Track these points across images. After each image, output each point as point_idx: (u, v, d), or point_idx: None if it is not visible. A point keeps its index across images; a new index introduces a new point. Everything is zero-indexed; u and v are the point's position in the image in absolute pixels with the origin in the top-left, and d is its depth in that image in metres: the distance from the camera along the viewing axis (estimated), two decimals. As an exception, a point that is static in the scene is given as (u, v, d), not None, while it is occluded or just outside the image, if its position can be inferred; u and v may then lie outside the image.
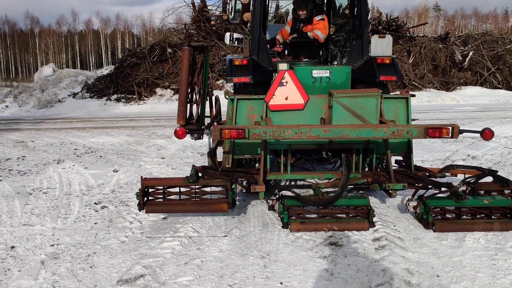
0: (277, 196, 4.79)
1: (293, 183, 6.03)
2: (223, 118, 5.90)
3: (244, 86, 5.45)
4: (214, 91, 18.16)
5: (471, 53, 19.01)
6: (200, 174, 4.63)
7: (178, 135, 4.45)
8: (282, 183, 6.05)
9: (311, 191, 5.30)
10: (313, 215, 4.70)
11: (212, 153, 5.26)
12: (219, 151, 5.59)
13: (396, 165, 5.45)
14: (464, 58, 19.04)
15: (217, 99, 5.86)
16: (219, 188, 4.68)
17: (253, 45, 5.58)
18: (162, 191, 4.61)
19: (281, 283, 3.57)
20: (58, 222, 4.82)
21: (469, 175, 5.27)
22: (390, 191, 4.77)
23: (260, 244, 4.30)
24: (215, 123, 5.71)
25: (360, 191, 5.69)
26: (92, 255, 4.04)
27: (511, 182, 5.12)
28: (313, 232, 4.54)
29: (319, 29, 5.88)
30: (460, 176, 5.42)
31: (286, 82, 4.80)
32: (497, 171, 5.25)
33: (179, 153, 8.15)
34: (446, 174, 5.34)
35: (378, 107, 4.70)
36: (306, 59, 5.91)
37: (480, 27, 58.17)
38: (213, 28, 18.26)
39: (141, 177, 4.59)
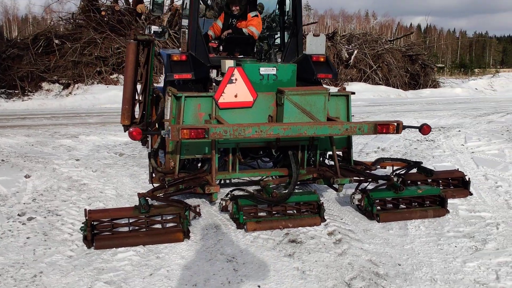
0: (229, 196, 4.67)
1: (227, 181, 5.92)
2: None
3: (183, 82, 5.22)
4: (109, 86, 16.96)
5: (355, 52, 20.46)
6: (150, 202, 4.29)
7: (133, 136, 4.08)
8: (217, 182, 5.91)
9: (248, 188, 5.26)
10: (264, 214, 4.69)
11: (154, 154, 4.95)
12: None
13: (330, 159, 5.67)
14: (349, 56, 20.43)
15: (160, 96, 5.46)
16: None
17: (191, 40, 5.36)
18: (109, 222, 4.18)
19: (258, 286, 3.49)
20: (-18, 240, 4.16)
21: (397, 167, 5.68)
22: (338, 186, 4.93)
23: (220, 247, 4.16)
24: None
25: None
26: (39, 275, 3.55)
27: (434, 172, 5.63)
28: (269, 230, 4.52)
29: (253, 26, 5.84)
30: (389, 168, 5.82)
31: (236, 79, 4.69)
32: (421, 162, 5.72)
33: (94, 153, 7.55)
34: (377, 166, 5.69)
35: (326, 104, 4.82)
36: (241, 56, 5.83)
37: (347, 27, 62.78)
38: (105, 19, 17.19)
39: (85, 209, 4.10)
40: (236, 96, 4.73)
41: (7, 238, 4.22)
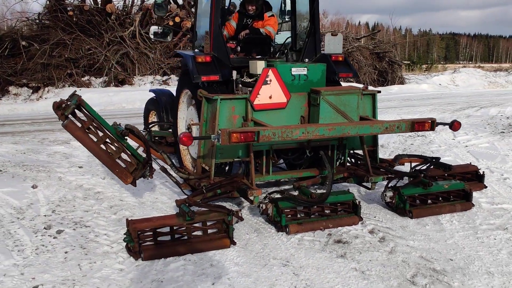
0: (268, 199, 4.59)
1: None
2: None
3: (208, 85, 5.09)
4: (81, 89, 16.27)
5: (326, 50, 20.69)
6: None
7: (184, 141, 3.91)
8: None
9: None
10: (302, 215, 4.65)
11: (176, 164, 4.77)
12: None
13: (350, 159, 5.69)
14: (320, 54, 20.64)
15: (132, 129, 4.59)
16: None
17: (214, 41, 5.23)
18: (151, 232, 4.01)
19: (327, 290, 3.46)
20: (16, 257, 3.88)
21: (415, 163, 5.77)
22: (370, 184, 4.95)
23: (269, 251, 4.09)
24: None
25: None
26: (96, 291, 3.37)
27: (453, 167, 5.77)
28: (311, 232, 4.49)
29: (270, 25, 5.80)
30: (406, 164, 5.92)
31: (270, 81, 4.62)
32: (439, 158, 5.84)
33: (94, 160, 7.18)
34: (397, 163, 5.77)
35: (359, 103, 4.83)
36: (259, 56, 5.76)
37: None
38: (74, 19, 16.56)
39: (127, 219, 3.95)
40: (270, 97, 4.66)
41: (43, 253, 3.97)
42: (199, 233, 4.22)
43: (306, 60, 5.33)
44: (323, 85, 5.01)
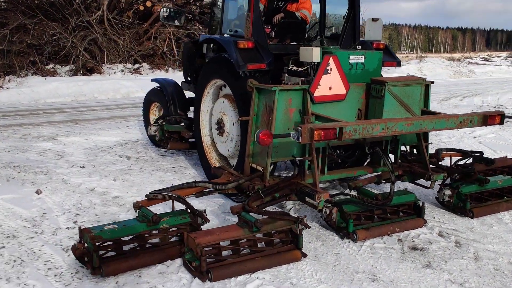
0: (333, 202, 4.09)
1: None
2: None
3: (250, 74, 4.51)
4: (46, 78, 15.12)
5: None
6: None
7: (264, 140, 3.35)
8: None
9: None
10: (363, 219, 4.22)
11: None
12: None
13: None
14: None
15: (155, 197, 4.04)
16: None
17: (253, 25, 4.64)
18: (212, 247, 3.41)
19: (436, 309, 3.04)
20: (55, 284, 3.21)
21: (457, 158, 5.46)
22: (430, 183, 4.57)
23: (346, 263, 3.63)
24: None
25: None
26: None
27: (495, 160, 5.50)
28: (378, 237, 4.07)
29: (306, 9, 5.29)
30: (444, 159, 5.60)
31: (331, 70, 4.12)
32: (482, 153, 5.55)
33: (94, 158, 6.47)
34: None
35: (422, 95, 4.43)
36: (294, 42, 5.23)
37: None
38: (35, 2, 15.23)
39: (186, 234, 3.39)
40: (330, 88, 4.16)
41: (87, 278, 3.30)
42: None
43: (359, 47, 4.83)
44: (379, 75, 4.57)
